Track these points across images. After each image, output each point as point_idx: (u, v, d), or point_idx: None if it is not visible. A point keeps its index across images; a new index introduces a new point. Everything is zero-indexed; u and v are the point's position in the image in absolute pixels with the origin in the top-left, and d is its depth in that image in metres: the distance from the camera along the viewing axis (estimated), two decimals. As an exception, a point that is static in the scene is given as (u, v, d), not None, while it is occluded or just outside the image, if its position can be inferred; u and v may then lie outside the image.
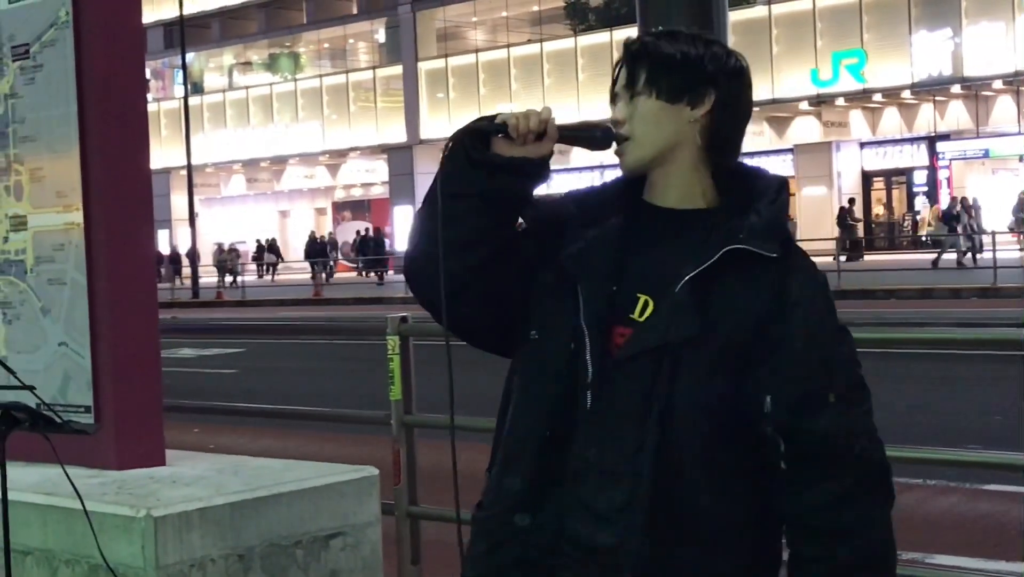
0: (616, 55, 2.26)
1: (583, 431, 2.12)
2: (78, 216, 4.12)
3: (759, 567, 2.16)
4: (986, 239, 27.13)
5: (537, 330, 2.19)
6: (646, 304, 2.13)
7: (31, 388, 2.95)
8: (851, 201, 37.15)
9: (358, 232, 45.75)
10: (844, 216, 35.47)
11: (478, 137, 2.17)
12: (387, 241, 44.46)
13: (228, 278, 41.07)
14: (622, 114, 2.19)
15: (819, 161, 39.60)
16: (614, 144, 2.20)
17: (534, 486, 2.15)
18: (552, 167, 2.24)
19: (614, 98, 2.23)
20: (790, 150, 39.80)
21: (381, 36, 50.42)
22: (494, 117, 2.16)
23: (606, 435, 2.10)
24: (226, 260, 42.03)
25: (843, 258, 30.46)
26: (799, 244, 2.20)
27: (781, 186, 2.20)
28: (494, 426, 2.29)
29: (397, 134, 46.37)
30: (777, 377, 2.08)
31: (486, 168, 2.16)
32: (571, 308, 2.14)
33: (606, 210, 2.22)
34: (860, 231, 37.91)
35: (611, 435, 2.10)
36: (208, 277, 41.06)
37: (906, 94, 36.90)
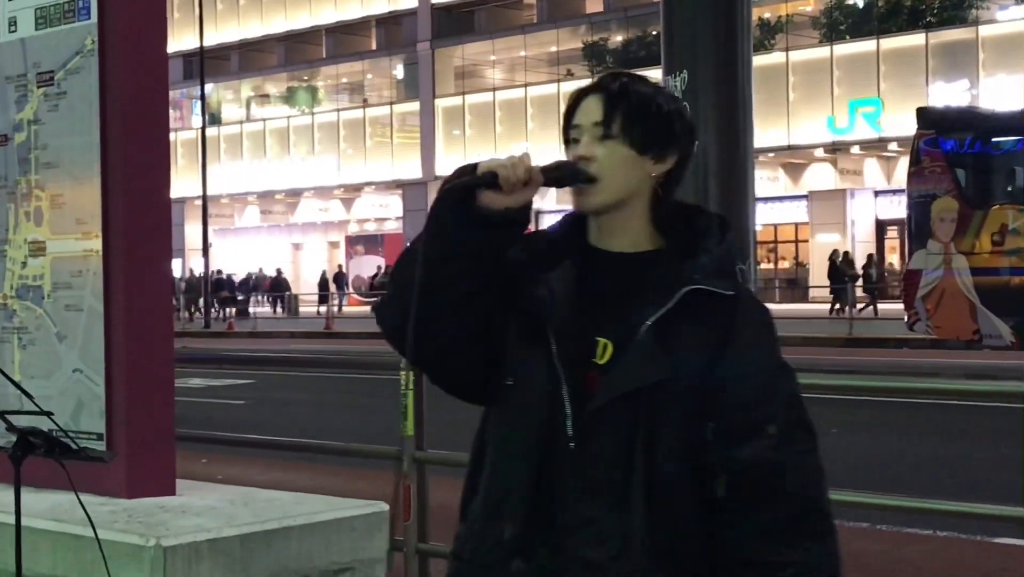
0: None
1: (570, 485, 2.13)
2: (97, 243, 4.13)
3: None
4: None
5: (512, 377, 2.18)
6: (605, 347, 2.15)
7: (49, 414, 2.94)
8: (846, 254, 36.15)
9: (379, 267, 45.80)
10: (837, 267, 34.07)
11: (466, 193, 2.10)
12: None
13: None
14: (591, 152, 2.17)
15: (833, 208, 39.57)
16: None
17: (527, 533, 2.14)
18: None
19: (573, 129, 2.20)
20: (804, 196, 39.80)
21: (399, 72, 50.66)
22: (475, 167, 2.09)
23: (595, 488, 2.12)
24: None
25: (860, 306, 30.34)
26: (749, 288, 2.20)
27: (724, 224, 2.23)
28: None
29: (412, 170, 46.49)
30: (718, 405, 2.10)
31: (483, 225, 2.11)
32: (542, 352, 2.15)
33: (556, 253, 2.22)
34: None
35: (599, 488, 2.11)
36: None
37: (922, 144, 36.91)
